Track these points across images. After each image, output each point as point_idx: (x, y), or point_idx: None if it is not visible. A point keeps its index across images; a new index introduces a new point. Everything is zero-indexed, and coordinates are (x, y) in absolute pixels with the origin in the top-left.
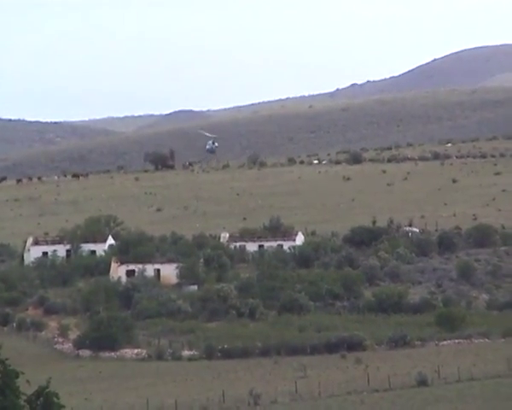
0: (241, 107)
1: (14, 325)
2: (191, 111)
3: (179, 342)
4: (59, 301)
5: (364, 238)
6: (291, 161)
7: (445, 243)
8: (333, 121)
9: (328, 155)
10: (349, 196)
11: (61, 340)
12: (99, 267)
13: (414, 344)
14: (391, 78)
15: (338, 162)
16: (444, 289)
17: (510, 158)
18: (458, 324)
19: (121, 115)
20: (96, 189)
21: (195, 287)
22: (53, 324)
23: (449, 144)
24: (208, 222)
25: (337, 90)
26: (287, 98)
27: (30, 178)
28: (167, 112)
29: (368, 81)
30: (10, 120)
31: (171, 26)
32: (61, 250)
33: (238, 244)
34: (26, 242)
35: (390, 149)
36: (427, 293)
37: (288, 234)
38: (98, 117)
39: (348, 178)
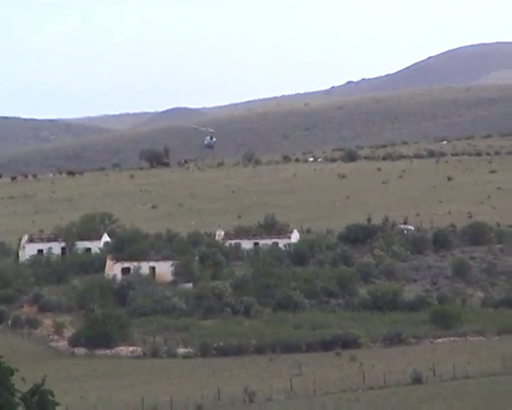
0: (236, 104)
1: (9, 322)
2: (186, 108)
3: (174, 340)
4: (54, 298)
5: (359, 236)
6: (286, 159)
7: (440, 241)
8: (328, 119)
9: (324, 152)
10: (344, 194)
11: (55, 337)
12: (94, 265)
13: (409, 342)
14: (386, 75)
15: (333, 160)
16: (439, 286)
17: (505, 156)
18: (453, 321)
19: (116, 113)
20: (91, 186)
21: (190, 284)
22: (48, 321)
23: (444, 142)
24: (203, 220)
25: (332, 87)
26: (282, 96)
27: (25, 176)
28: (162, 109)
29: (363, 79)
30: (5, 118)
31: (166, 24)
32: (56, 248)
33: (233, 242)
34: (20, 239)
35: (385, 146)
36: (422, 291)
37: (283, 232)
38: (93, 115)
39: (343, 176)
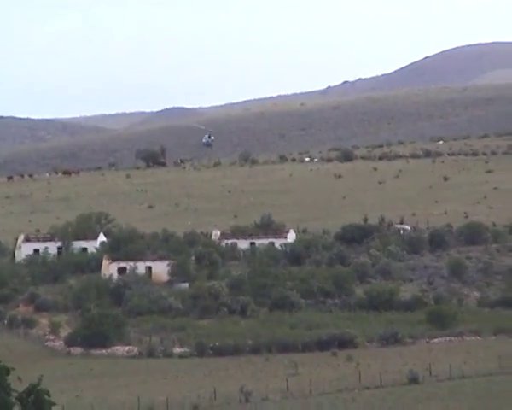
0: (232, 104)
1: (5, 322)
2: (183, 108)
3: (170, 340)
4: (50, 298)
5: (356, 236)
6: (282, 159)
7: (437, 241)
8: (324, 119)
9: (320, 152)
10: (340, 194)
11: (52, 337)
12: (90, 264)
13: (405, 342)
14: (382, 75)
15: (329, 160)
16: (435, 286)
17: (502, 156)
18: (449, 321)
19: (112, 112)
20: (87, 186)
21: (187, 284)
22: (44, 321)
23: (440, 142)
24: (199, 219)
25: (329, 87)
26: (278, 96)
27: (21, 176)
28: (159, 109)
29: (359, 79)
30: (1, 117)
31: (163, 25)
32: (53, 247)
33: (229, 242)
34: (17, 239)
35: (381, 146)
36: (419, 290)
37: (280, 231)
38: (89, 114)
39: (339, 176)
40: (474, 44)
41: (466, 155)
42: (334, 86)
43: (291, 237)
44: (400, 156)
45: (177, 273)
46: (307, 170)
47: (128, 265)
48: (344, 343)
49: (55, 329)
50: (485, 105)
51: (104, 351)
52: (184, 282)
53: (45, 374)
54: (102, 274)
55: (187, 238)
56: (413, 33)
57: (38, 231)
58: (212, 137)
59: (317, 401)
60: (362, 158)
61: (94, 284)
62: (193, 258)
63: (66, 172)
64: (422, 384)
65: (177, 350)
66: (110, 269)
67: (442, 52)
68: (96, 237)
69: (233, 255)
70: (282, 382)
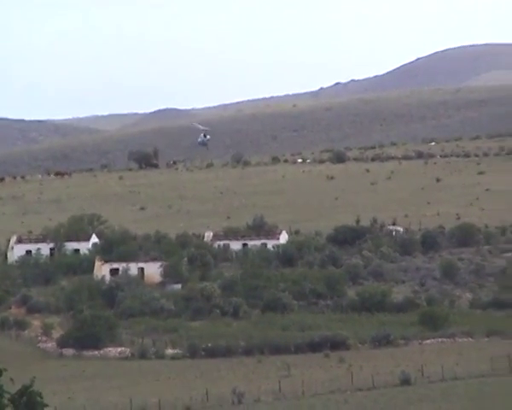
0: (225, 105)
1: None
2: (176, 109)
3: (163, 341)
4: (42, 299)
5: (348, 237)
6: (275, 160)
7: (429, 243)
8: (316, 120)
9: (312, 153)
10: (333, 195)
11: (44, 339)
12: (82, 266)
13: (397, 343)
14: (375, 77)
15: (322, 161)
16: (427, 288)
17: (494, 157)
18: (442, 323)
19: (105, 114)
20: (79, 187)
21: (179, 286)
22: (36, 322)
23: (432, 143)
24: (192, 221)
25: (321, 89)
26: (271, 97)
27: (13, 177)
28: (152, 110)
29: (352, 80)
30: None
31: (157, 26)
32: (45, 249)
33: (222, 243)
34: (9, 240)
35: (373, 148)
36: (411, 292)
37: (272, 233)
38: (82, 115)
39: (332, 177)
40: (468, 46)
41: (458, 156)
42: (327, 88)
43: (283, 238)
44: (392, 158)
45: (170, 275)
46: (299, 171)
47: (120, 266)
48: (336, 345)
49: (47, 330)
50: (478, 107)
51: (96, 352)
52: (177, 283)
53: (37, 376)
54: (95, 275)
55: (179, 240)
56: (405, 35)
57: (31, 232)
58: (208, 137)
59: (309, 402)
60: (354, 159)
61: (86, 285)
62: (185, 259)
63: (58, 174)
64: (415, 386)
65: (170, 352)
66: (102, 270)
67: (435, 53)
68: (88, 239)
69: (225, 257)
70: (275, 383)
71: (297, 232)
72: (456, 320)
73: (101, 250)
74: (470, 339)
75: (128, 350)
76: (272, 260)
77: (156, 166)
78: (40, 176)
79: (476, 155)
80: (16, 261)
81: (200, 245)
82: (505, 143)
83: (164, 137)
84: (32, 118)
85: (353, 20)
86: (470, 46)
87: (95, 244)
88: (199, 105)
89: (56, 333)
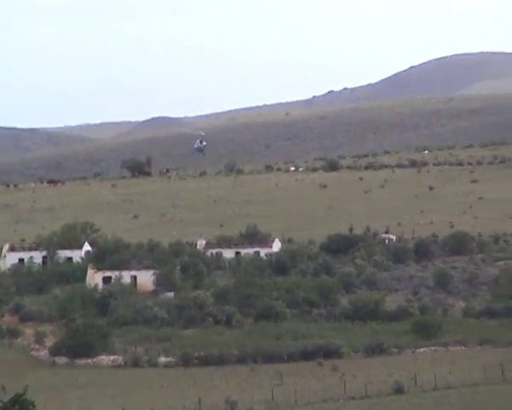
0: (218, 114)
1: None
2: (168, 118)
3: (155, 350)
4: (35, 308)
5: (341, 246)
6: (268, 169)
7: (422, 251)
8: (309, 129)
9: (305, 162)
10: (326, 204)
11: (37, 347)
12: (75, 274)
13: (390, 352)
14: (368, 85)
15: (315, 170)
16: (420, 296)
17: (487, 166)
18: (435, 331)
19: (98, 122)
20: (72, 196)
21: (172, 294)
22: (29, 331)
23: (425, 152)
24: (185, 229)
25: (314, 97)
26: (264, 105)
27: (6, 185)
28: (144, 119)
29: (345, 88)
30: None
31: (148, 33)
32: (38, 257)
33: (215, 251)
34: (2, 248)
35: (367, 156)
36: (404, 301)
37: (265, 241)
38: (74, 124)
39: (325, 186)
40: (461, 55)
41: (451, 165)
42: (320, 96)
43: (276, 246)
44: (386, 166)
45: (163, 283)
46: (293, 180)
47: (113, 274)
48: (329, 353)
49: (40, 339)
50: (471, 116)
51: (89, 361)
52: (169, 292)
53: (30, 384)
54: (88, 284)
55: (172, 248)
56: (398, 43)
57: (23, 240)
58: (204, 143)
59: None
60: (347, 168)
61: (79, 293)
62: (178, 268)
63: (51, 182)
64: (408, 395)
65: (162, 360)
66: (95, 278)
67: (428, 62)
68: (81, 247)
69: (218, 265)
70: (268, 392)
71: (290, 241)
72: (449, 329)
73: (93, 259)
74: (463, 348)
75: (121, 359)
76: (265, 269)
77: (149, 174)
78: (33, 184)
79: (469, 164)
80: (9, 269)
81: (193, 254)
82: (498, 151)
83: (157, 146)
84: (25, 126)
85: (346, 29)
86: (463, 55)
87: (87, 253)
88: (191, 113)
89: (49, 341)
